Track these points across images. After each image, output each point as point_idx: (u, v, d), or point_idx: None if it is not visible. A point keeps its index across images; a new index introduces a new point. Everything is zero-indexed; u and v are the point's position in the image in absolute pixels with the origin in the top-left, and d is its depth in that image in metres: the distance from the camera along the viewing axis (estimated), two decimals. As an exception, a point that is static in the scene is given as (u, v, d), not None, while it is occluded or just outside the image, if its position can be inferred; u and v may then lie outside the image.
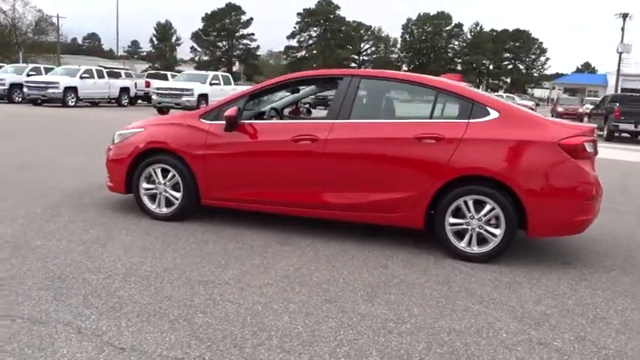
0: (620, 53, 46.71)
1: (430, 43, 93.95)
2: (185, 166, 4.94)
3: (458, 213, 4.37)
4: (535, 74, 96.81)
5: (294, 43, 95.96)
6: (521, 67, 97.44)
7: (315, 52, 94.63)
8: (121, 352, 2.68)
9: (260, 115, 5.35)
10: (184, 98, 21.07)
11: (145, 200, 5.14)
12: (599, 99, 47.84)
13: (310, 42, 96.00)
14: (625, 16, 46.89)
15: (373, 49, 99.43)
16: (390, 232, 4.94)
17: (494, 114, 4.36)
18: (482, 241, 4.34)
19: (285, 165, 4.69)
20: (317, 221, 5.05)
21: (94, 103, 25.19)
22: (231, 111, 4.73)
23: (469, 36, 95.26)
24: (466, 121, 4.38)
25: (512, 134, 4.27)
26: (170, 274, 3.77)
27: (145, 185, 5.12)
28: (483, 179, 4.27)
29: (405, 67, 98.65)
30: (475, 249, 4.34)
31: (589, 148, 4.27)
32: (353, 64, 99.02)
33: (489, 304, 3.54)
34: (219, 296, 3.42)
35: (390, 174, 4.44)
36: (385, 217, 4.54)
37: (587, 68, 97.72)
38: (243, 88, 27.16)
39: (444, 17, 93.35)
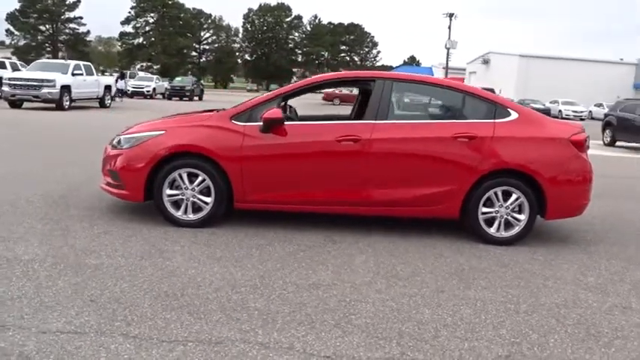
0: (448, 49, 52.22)
1: (272, 34, 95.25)
2: (217, 170, 4.78)
3: (486, 203, 4.90)
4: (368, 65, 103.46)
5: (129, 29, 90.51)
6: (356, 58, 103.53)
7: (153, 39, 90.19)
8: (286, 351, 2.73)
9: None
10: (45, 90, 18.94)
11: (169, 207, 4.86)
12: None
13: (147, 28, 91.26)
14: (451, 15, 52.52)
15: (214, 37, 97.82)
16: (409, 223, 5.31)
17: (514, 114, 4.96)
18: (508, 226, 4.94)
19: (330, 165, 4.81)
20: (341, 218, 5.25)
21: None
22: (275, 112, 4.70)
23: (308, 28, 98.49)
24: (493, 121, 4.92)
25: (531, 132, 4.92)
26: (272, 280, 3.73)
27: (168, 192, 4.84)
28: (511, 172, 4.85)
29: (247, 57, 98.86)
30: (503, 234, 4.93)
31: (587, 142, 5.09)
32: (194, 53, 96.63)
33: (555, 280, 4.12)
34: (345, 297, 3.51)
35: (432, 170, 4.82)
36: (426, 210, 4.91)
37: (412, 61, 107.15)
38: (105, 78, 25.19)
39: (284, 8, 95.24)
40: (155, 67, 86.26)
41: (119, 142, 5.04)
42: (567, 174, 4.93)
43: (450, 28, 52.14)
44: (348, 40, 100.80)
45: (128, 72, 43.89)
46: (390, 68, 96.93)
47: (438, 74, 72.42)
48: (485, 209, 4.90)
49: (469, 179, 4.81)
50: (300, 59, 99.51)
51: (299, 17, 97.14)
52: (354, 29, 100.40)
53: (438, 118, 5.06)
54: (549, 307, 3.58)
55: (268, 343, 2.84)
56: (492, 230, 4.92)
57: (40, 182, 6.45)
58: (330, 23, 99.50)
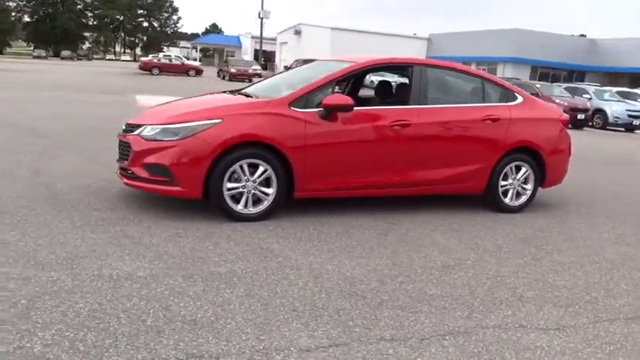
0: (262, 18, 52.67)
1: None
2: (279, 159, 4.60)
3: (503, 177, 5.57)
4: (169, 32, 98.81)
5: None
6: (156, 24, 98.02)
7: None
8: (545, 331, 3.05)
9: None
10: None
11: (229, 201, 4.54)
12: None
13: None
14: (263, -15, 52.77)
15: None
16: (424, 199, 5.75)
17: (520, 98, 5.68)
18: (517, 196, 5.69)
19: (385, 149, 4.96)
20: (365, 201, 5.48)
21: None
22: (342, 99, 4.69)
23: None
24: (507, 104, 5.56)
25: (534, 114, 5.70)
26: (406, 267, 3.86)
27: (228, 185, 4.51)
28: (522, 149, 5.57)
29: (27, 18, 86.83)
30: (515, 203, 5.67)
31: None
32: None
33: (592, 240, 4.95)
34: (485, 274, 3.84)
35: (468, 150, 5.31)
36: (460, 187, 5.41)
37: (215, 29, 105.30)
38: None
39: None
40: None
41: (158, 132, 4.49)
42: (559, 148, 5.84)
43: (262, -2, 52.49)
44: (146, 4, 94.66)
45: None
46: (195, 36, 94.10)
47: (247, 44, 72.67)
48: (503, 182, 5.56)
49: (495, 156, 5.42)
50: (92, 23, 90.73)
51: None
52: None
53: (467, 102, 5.51)
54: (620, 262, 4.38)
55: (501, 325, 3.06)
56: (507, 200, 5.63)
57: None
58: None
